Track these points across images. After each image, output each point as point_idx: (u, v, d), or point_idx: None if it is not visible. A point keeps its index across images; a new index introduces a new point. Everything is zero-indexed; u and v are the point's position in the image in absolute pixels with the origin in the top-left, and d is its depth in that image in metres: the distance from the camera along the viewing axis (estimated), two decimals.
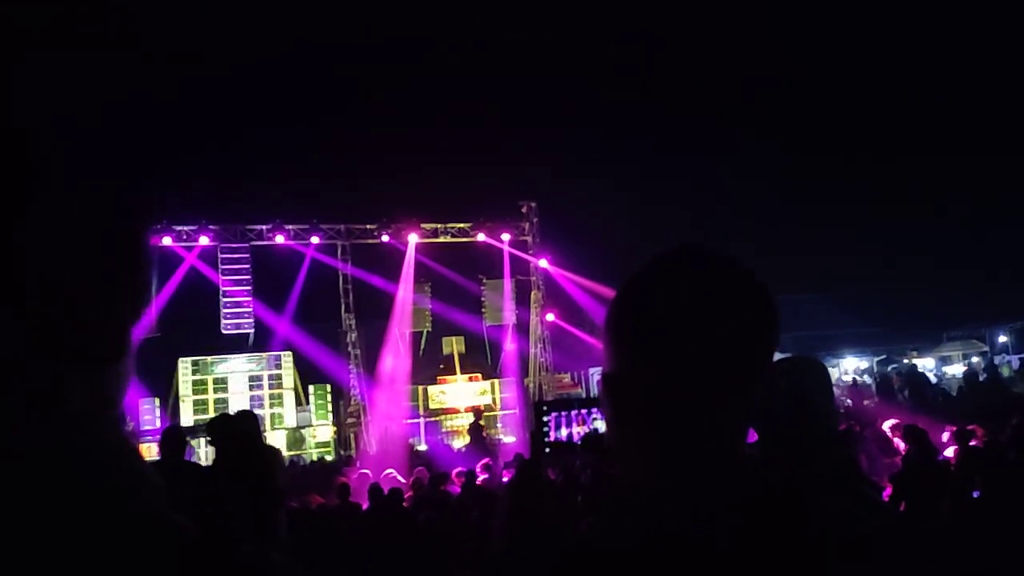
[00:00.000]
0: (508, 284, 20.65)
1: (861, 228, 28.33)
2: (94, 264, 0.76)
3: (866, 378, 22.99)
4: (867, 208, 28.34)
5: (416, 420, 19.61)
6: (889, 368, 23.13)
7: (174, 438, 5.67)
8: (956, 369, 24.17)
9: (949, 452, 7.84)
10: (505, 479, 10.50)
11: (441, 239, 20.08)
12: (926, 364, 24.57)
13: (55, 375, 0.72)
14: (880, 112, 27.72)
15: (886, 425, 8.88)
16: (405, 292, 19.86)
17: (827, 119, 28.80)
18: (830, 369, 22.19)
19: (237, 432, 5.47)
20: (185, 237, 18.07)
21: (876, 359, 24.65)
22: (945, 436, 8.29)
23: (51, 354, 0.72)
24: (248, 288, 18.40)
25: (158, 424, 16.57)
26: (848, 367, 24.67)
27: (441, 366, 21.09)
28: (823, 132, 28.86)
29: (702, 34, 28.06)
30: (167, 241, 17.88)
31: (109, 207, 0.79)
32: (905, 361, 23.79)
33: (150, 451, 15.80)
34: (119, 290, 0.77)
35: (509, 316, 20.74)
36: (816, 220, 28.92)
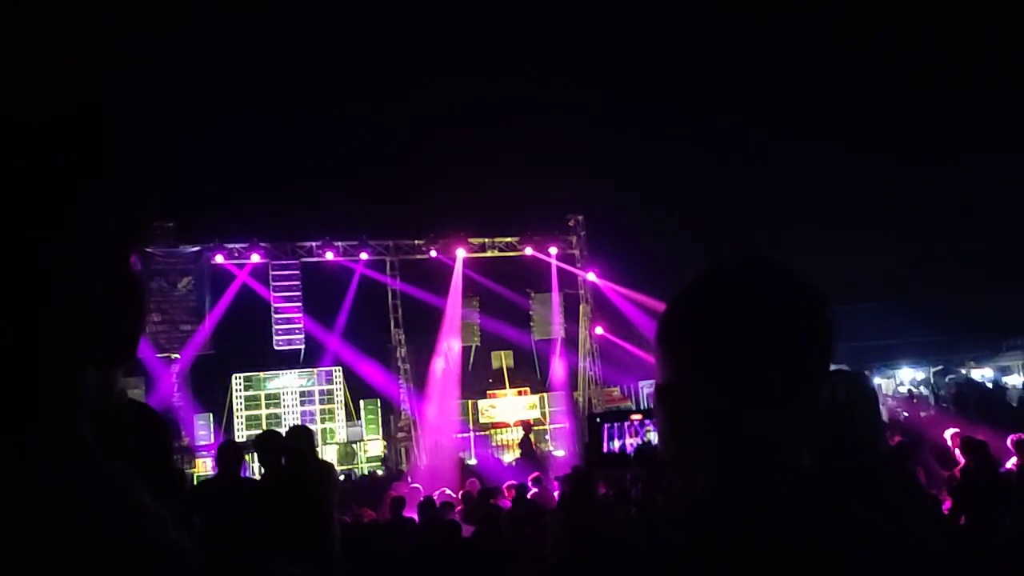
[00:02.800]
0: (556, 298, 20.64)
1: (917, 235, 27.71)
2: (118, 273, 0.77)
3: (923, 389, 22.44)
4: (922, 215, 27.72)
5: (466, 434, 19.64)
6: (947, 378, 22.55)
7: (229, 453, 5.67)
8: (1016, 379, 23.47)
9: (1011, 464, 7.61)
10: (556, 493, 10.47)
11: (489, 253, 20.15)
12: (985, 374, 23.90)
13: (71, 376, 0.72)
14: (938, 117, 27.14)
15: (946, 434, 8.66)
16: (453, 307, 19.96)
17: (883, 123, 28.30)
18: (886, 380, 21.82)
19: (284, 448, 5.52)
20: (237, 255, 18.42)
21: (933, 369, 24.05)
22: (1009, 441, 8.02)
23: (70, 353, 0.72)
24: (299, 305, 18.67)
25: (212, 439, 16.85)
26: (904, 377, 24.10)
27: (490, 380, 21.12)
28: (879, 137, 28.35)
29: (747, 46, 27.83)
30: (219, 259, 18.24)
31: (137, 217, 0.79)
32: (963, 371, 23.17)
33: (205, 466, 16.12)
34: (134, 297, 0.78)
35: (558, 330, 20.71)
36: (870, 227, 28.37)
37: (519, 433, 18.67)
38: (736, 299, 1.06)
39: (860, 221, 28.40)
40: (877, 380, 22.85)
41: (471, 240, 19.76)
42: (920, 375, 24.18)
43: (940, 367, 23.98)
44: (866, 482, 2.07)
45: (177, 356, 17.78)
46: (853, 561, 0.94)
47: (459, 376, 19.89)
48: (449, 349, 19.70)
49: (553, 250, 20.29)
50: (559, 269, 20.51)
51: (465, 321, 20.07)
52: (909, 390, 21.97)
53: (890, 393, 22.73)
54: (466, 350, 20.41)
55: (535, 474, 11.96)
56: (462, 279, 19.89)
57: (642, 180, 27.27)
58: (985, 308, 24.55)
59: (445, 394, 19.51)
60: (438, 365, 19.52)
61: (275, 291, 18.56)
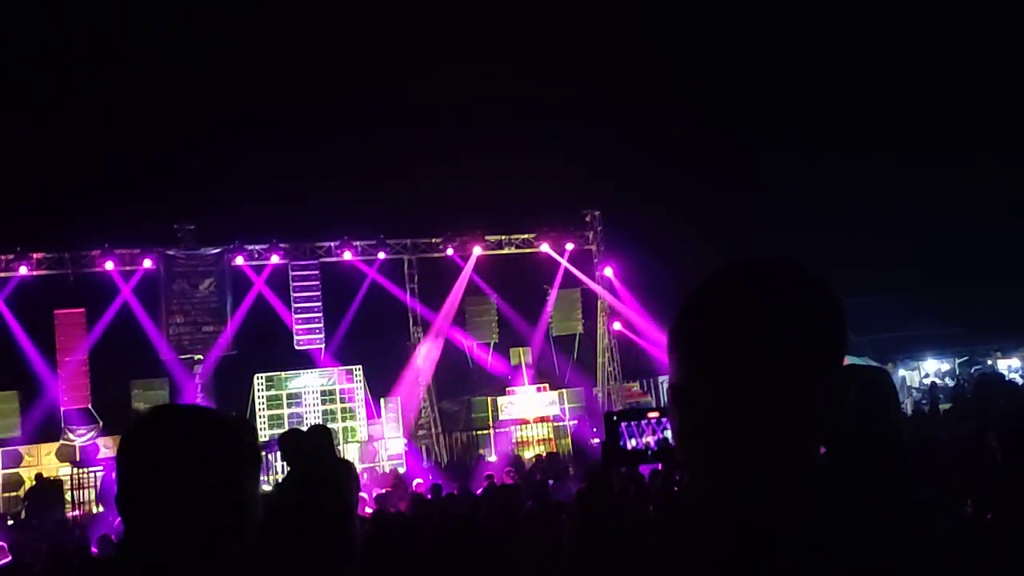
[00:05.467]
0: (574, 293, 20.63)
1: (941, 227, 27.41)
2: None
3: (947, 380, 22.21)
4: (946, 207, 27.40)
5: (486, 431, 19.67)
6: (972, 369, 22.31)
7: None
8: None
9: None
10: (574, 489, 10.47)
11: (506, 251, 20.17)
12: (1012, 364, 23.63)
13: None
14: (957, 105, 26.89)
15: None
16: (470, 304, 20.00)
17: (897, 118, 28.07)
18: (910, 372, 21.49)
19: (307, 447, 5.55)
20: (257, 256, 18.55)
21: (958, 361, 23.78)
22: None
23: None
24: (319, 304, 18.80)
25: None
26: (929, 369, 23.86)
27: (509, 377, 21.12)
28: (896, 128, 28.11)
29: (756, 45, 27.69)
30: (240, 260, 18.37)
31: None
32: (988, 362, 22.92)
33: None
34: None
35: (576, 325, 20.69)
36: (894, 220, 28.11)
37: (539, 430, 18.69)
38: (745, 299, 1.06)
39: (883, 214, 28.16)
40: (901, 372, 22.64)
41: (488, 238, 19.79)
42: (945, 366, 23.92)
43: (965, 358, 23.72)
44: (881, 480, 2.04)
45: (200, 357, 17.93)
46: (855, 561, 0.94)
47: (479, 373, 19.94)
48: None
49: (569, 246, 20.28)
50: (577, 265, 20.51)
51: (483, 318, 20.09)
52: (933, 383, 21.66)
53: (915, 385, 22.52)
54: (484, 347, 20.43)
55: (559, 468, 12.04)
56: (481, 275, 19.95)
57: (659, 175, 27.17)
58: (1011, 298, 24.24)
59: (463, 391, 19.60)
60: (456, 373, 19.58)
61: (295, 291, 18.69)
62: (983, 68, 26.95)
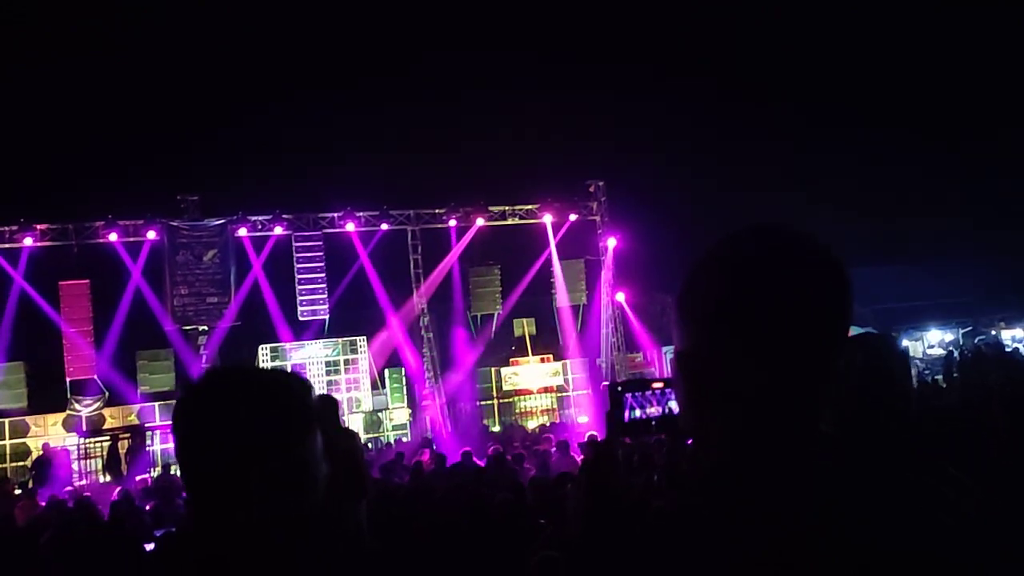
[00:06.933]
0: (578, 264, 20.60)
1: (944, 196, 27.24)
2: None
3: (952, 350, 22.17)
4: (950, 176, 27.22)
5: (489, 401, 19.75)
6: (976, 340, 22.27)
7: None
8: None
9: None
10: (579, 459, 10.52)
11: (509, 221, 20.11)
12: (1015, 334, 23.61)
13: None
14: (968, 66, 26.63)
15: None
16: (474, 275, 20.00)
17: (907, 77, 27.83)
18: (913, 342, 21.41)
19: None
20: (260, 227, 18.52)
21: (962, 330, 23.74)
22: None
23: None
24: (322, 275, 18.79)
25: None
26: (933, 339, 23.84)
27: (513, 348, 21.17)
28: (898, 94, 27.88)
29: (775, 22, 27.34)
30: (243, 232, 18.34)
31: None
32: (992, 332, 22.88)
33: None
34: None
35: (580, 296, 20.69)
36: (896, 189, 27.95)
37: (542, 400, 18.73)
38: (757, 265, 1.05)
39: (885, 183, 28.02)
40: (905, 342, 22.61)
41: (491, 208, 19.72)
42: (948, 336, 23.88)
43: (969, 328, 23.68)
44: (889, 451, 2.04)
45: (204, 328, 17.97)
46: (864, 539, 0.94)
47: (482, 344, 19.98)
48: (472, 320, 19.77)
49: (573, 216, 20.22)
50: (581, 235, 20.51)
51: (487, 289, 20.09)
52: (950, 351, 21.58)
53: (919, 356, 22.51)
54: (488, 318, 20.46)
55: (561, 439, 12.10)
56: (483, 246, 19.92)
57: (664, 145, 27.03)
58: (1015, 267, 24.15)
59: (468, 362, 19.63)
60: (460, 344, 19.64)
61: (299, 262, 18.69)
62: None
